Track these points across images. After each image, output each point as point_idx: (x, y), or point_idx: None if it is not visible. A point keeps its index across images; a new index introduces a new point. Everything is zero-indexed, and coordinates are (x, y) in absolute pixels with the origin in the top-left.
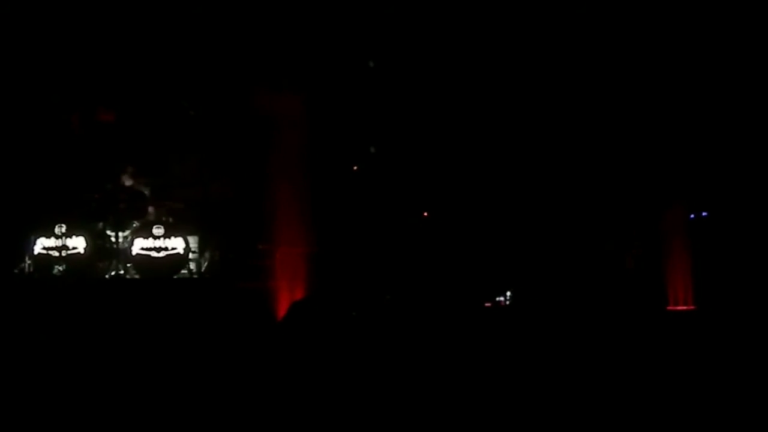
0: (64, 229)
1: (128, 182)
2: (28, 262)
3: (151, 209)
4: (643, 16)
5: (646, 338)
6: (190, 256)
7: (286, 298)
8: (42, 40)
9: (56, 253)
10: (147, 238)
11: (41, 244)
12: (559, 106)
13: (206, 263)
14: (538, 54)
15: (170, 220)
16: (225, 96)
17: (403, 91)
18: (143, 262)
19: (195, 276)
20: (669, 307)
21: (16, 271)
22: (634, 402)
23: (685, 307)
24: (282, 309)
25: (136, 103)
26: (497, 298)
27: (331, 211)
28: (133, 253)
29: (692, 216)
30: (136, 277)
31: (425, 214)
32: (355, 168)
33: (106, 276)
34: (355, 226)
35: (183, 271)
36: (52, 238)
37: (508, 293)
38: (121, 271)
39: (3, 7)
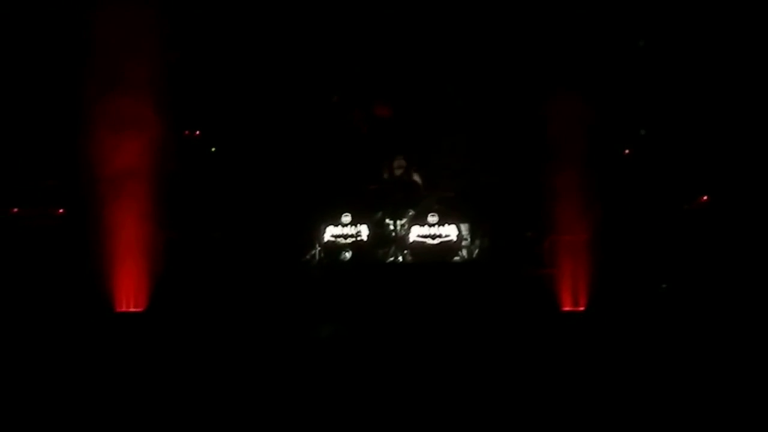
0: (349, 218)
1: (403, 173)
2: (318, 248)
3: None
4: None
5: None
6: (462, 243)
7: (568, 285)
8: (329, 46)
9: (343, 241)
10: (423, 225)
11: (330, 233)
12: None
13: (477, 250)
14: None
15: (443, 208)
16: (492, 84)
17: (673, 70)
18: (419, 248)
19: (469, 262)
20: None
21: (307, 257)
22: None
23: None
24: (565, 296)
25: (409, 98)
26: None
27: (604, 198)
28: (410, 240)
29: None
30: (413, 263)
31: (704, 198)
32: (627, 152)
33: (387, 261)
34: (629, 211)
35: (455, 258)
36: (339, 227)
37: None
38: (399, 258)
39: (284, 17)
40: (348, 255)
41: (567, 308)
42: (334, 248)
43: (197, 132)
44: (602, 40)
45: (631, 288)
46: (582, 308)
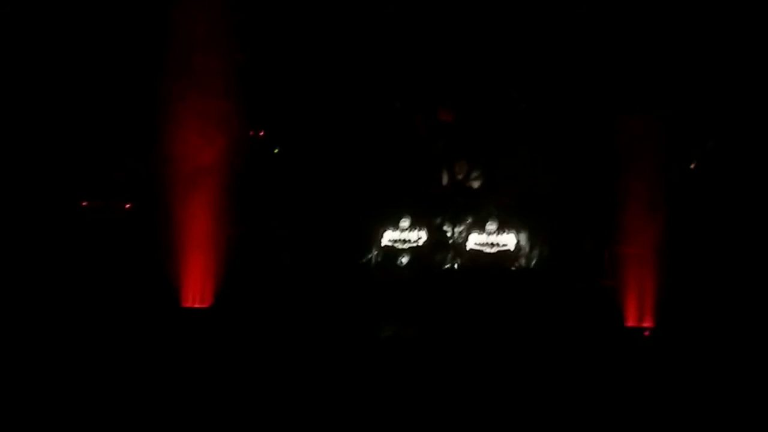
0: (408, 223)
1: (464, 178)
2: (376, 253)
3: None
4: None
5: None
6: (520, 253)
7: (634, 298)
8: (393, 50)
9: (401, 246)
10: (481, 233)
11: (388, 237)
12: None
13: (535, 260)
14: None
15: (502, 215)
16: (556, 90)
17: (744, 81)
18: (476, 256)
19: (527, 270)
20: None
21: (363, 261)
22: None
23: None
24: (630, 309)
25: (472, 102)
26: None
27: (668, 210)
28: (467, 247)
29: None
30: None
31: None
32: (693, 165)
33: (443, 268)
34: (694, 225)
35: (512, 268)
36: (398, 231)
37: None
38: (456, 265)
39: (349, 21)
40: (405, 260)
41: (630, 323)
42: (391, 253)
43: (262, 132)
44: (671, 49)
45: (695, 304)
46: (644, 323)
